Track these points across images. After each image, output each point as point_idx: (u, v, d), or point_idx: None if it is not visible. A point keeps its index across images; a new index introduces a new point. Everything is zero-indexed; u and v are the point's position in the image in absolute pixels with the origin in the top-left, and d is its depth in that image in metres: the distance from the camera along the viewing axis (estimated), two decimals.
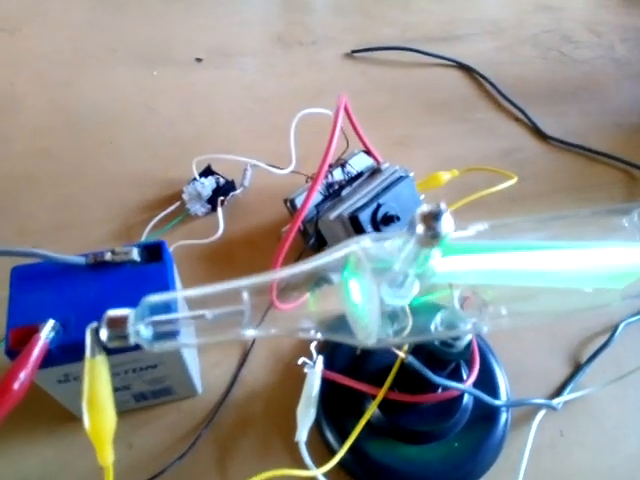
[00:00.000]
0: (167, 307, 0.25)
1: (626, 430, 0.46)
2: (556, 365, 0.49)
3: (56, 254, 0.34)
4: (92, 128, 0.68)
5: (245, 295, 0.25)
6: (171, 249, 0.53)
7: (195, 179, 0.57)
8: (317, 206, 0.52)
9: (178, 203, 0.58)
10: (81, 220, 0.57)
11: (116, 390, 0.40)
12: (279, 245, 0.44)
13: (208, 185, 0.56)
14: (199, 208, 0.57)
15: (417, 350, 0.37)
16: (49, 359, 0.32)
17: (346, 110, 0.46)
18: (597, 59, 0.83)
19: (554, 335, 0.51)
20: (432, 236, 0.22)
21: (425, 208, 0.22)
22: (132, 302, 0.27)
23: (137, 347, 0.27)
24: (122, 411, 0.43)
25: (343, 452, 0.39)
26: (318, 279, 0.54)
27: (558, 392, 0.47)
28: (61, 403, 0.40)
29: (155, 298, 0.25)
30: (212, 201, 0.57)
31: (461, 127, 0.70)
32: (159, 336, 0.25)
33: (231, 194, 0.55)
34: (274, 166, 0.57)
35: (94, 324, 0.25)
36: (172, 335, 0.25)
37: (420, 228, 0.22)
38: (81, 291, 0.34)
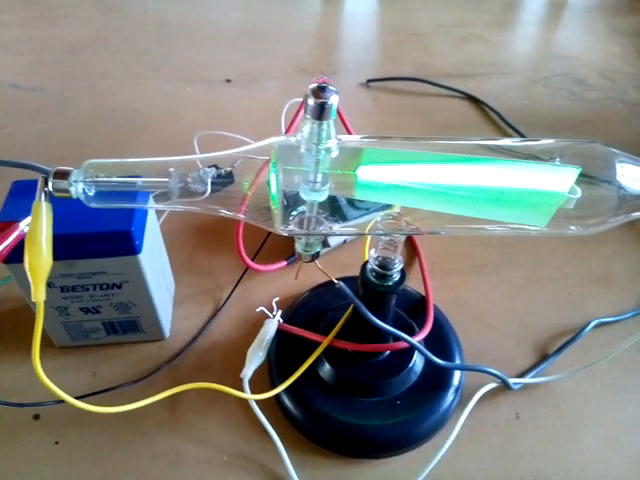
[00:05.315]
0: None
1: (587, 421, 0.44)
2: (521, 354, 0.49)
3: (48, 167, 0.40)
4: (125, 127, 0.76)
5: (171, 169, 0.30)
6: (163, 217, 0.59)
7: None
8: None
9: None
10: None
11: (87, 312, 0.44)
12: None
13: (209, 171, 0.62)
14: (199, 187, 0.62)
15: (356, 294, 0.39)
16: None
17: None
18: (607, 99, 0.86)
19: (524, 326, 0.51)
20: (321, 106, 0.26)
21: (313, 84, 0.26)
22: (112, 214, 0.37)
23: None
24: (92, 345, 0.47)
25: (282, 388, 0.41)
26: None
27: (519, 376, 0.47)
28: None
29: (95, 161, 0.30)
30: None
31: None
32: (101, 197, 0.29)
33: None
34: None
35: (44, 175, 0.29)
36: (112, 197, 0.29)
37: (311, 101, 0.26)
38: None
